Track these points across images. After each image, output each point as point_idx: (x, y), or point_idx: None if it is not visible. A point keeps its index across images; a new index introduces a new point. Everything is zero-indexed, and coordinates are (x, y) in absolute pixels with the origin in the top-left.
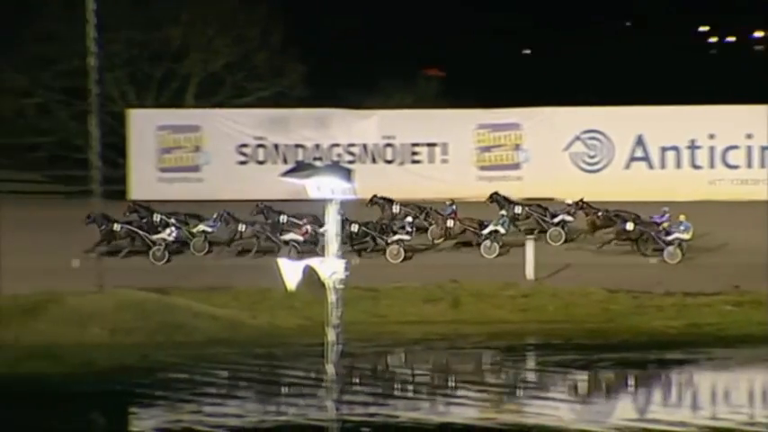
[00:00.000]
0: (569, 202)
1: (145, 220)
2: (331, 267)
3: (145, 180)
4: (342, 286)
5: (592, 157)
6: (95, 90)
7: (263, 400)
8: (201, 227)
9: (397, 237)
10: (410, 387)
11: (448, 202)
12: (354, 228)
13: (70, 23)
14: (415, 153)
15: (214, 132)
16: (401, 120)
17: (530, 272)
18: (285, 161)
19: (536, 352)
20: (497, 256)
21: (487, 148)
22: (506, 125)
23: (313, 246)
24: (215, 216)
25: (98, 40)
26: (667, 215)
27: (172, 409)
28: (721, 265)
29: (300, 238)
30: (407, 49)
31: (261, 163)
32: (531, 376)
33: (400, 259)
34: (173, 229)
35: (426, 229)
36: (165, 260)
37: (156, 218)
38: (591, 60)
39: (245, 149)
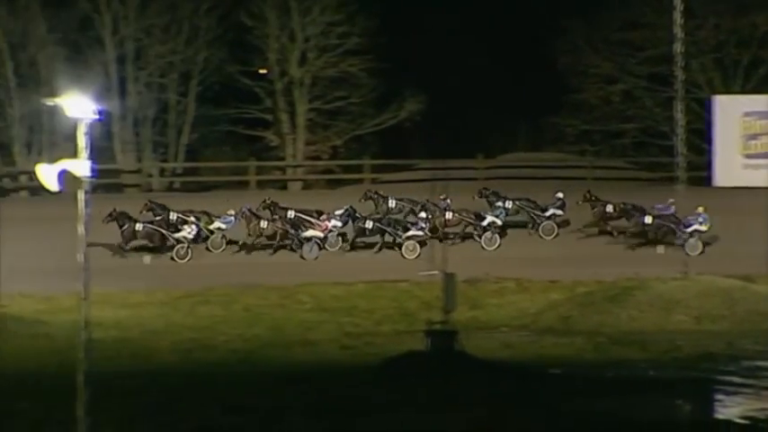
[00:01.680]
0: (560, 195)
1: (161, 219)
2: None
3: (729, 166)
4: None
5: None
6: (681, 76)
7: None
8: (217, 224)
9: (411, 232)
10: None
11: (442, 196)
12: (369, 224)
13: (657, 10)
14: None
15: None
16: None
17: None
18: None
19: None
20: (497, 248)
21: None
22: None
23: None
24: (231, 213)
25: (684, 27)
26: (673, 207)
27: (758, 397)
28: None
29: (321, 235)
30: None
31: None
32: None
33: (416, 255)
34: (193, 227)
35: None
36: (188, 258)
37: (173, 216)
38: None
39: None
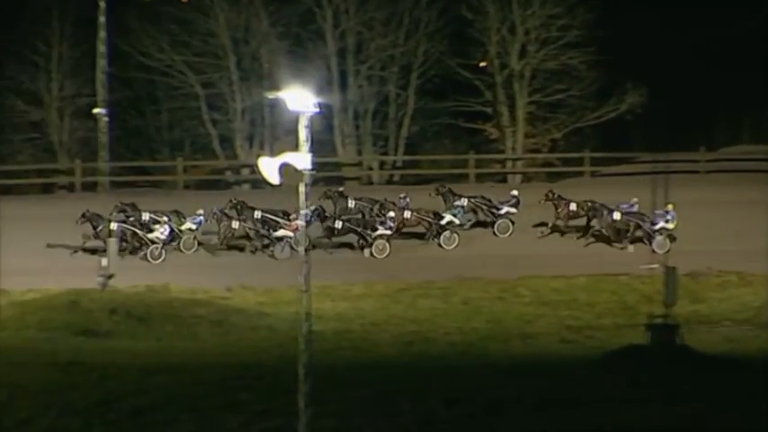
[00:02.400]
0: (515, 193)
1: (134, 219)
2: None
3: None
4: None
5: None
6: None
7: None
8: (187, 224)
9: (380, 231)
10: None
11: (401, 195)
12: (338, 224)
13: None
14: None
15: None
16: None
17: None
18: None
19: None
20: (456, 247)
21: None
22: None
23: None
24: (200, 213)
25: None
26: (636, 205)
27: None
28: None
29: (291, 234)
30: None
31: None
32: None
33: (386, 254)
34: (165, 227)
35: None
36: (161, 259)
37: (146, 216)
38: None
39: None
